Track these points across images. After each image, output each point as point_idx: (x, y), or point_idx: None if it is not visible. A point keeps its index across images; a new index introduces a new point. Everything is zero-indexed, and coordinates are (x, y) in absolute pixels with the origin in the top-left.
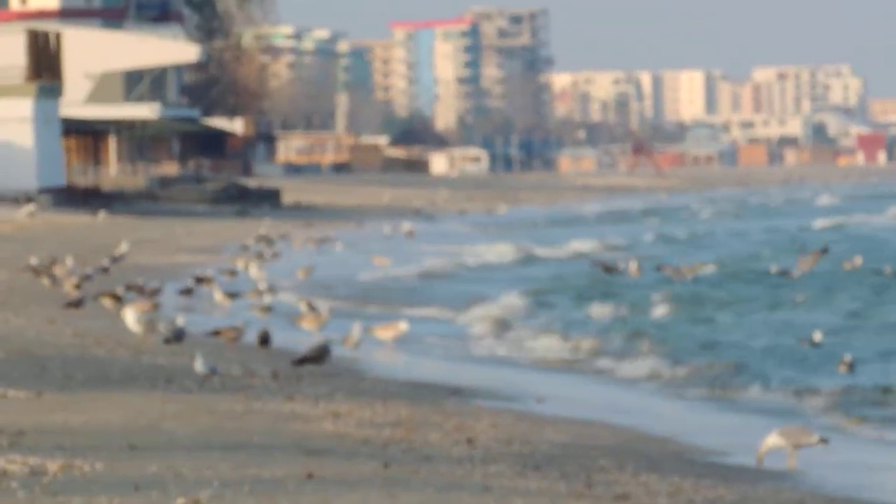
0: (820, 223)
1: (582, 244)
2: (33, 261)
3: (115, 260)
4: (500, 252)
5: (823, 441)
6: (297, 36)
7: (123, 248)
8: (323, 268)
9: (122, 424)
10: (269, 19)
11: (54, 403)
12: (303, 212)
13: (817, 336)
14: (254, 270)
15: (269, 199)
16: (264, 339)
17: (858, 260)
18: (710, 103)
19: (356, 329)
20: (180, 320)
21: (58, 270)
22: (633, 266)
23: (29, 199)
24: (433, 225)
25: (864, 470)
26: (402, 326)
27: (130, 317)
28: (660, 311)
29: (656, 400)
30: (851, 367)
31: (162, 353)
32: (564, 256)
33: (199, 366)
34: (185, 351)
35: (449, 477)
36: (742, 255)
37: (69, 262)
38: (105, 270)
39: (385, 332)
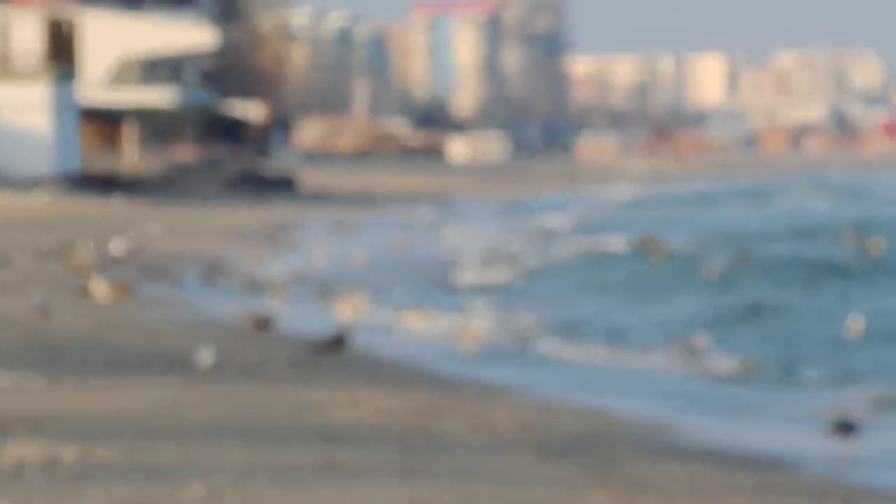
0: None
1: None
2: (43, 240)
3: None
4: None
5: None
6: (315, 20)
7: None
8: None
9: (138, 411)
10: (287, 3)
11: (70, 390)
12: (321, 198)
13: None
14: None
15: (286, 185)
16: (264, 323)
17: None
18: (732, 88)
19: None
20: None
21: (74, 256)
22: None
23: (46, 185)
24: (451, 210)
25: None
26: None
27: None
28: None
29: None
30: None
31: (178, 338)
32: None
33: (206, 357)
34: (201, 338)
35: (467, 465)
36: None
37: (86, 247)
38: (122, 257)
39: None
